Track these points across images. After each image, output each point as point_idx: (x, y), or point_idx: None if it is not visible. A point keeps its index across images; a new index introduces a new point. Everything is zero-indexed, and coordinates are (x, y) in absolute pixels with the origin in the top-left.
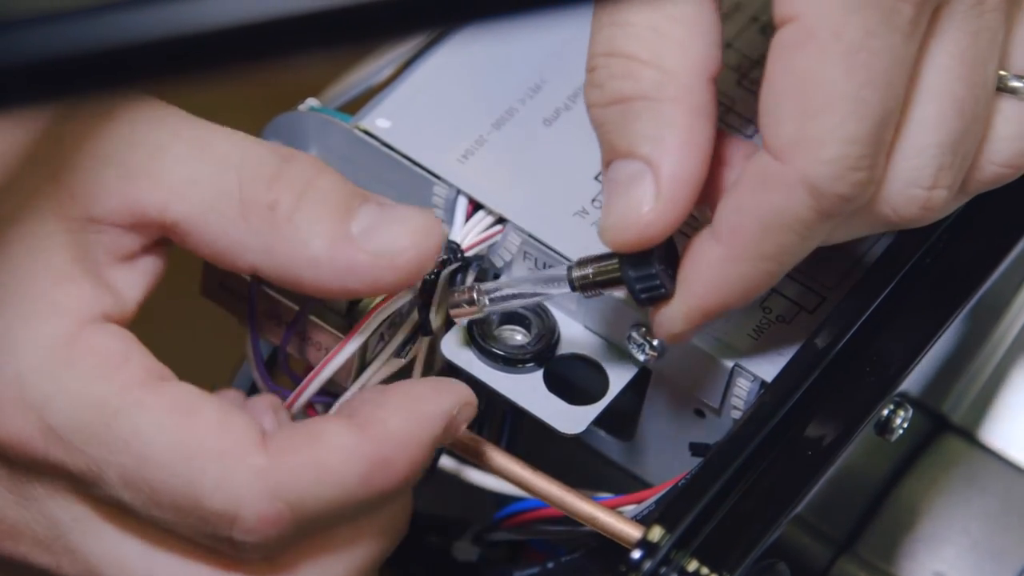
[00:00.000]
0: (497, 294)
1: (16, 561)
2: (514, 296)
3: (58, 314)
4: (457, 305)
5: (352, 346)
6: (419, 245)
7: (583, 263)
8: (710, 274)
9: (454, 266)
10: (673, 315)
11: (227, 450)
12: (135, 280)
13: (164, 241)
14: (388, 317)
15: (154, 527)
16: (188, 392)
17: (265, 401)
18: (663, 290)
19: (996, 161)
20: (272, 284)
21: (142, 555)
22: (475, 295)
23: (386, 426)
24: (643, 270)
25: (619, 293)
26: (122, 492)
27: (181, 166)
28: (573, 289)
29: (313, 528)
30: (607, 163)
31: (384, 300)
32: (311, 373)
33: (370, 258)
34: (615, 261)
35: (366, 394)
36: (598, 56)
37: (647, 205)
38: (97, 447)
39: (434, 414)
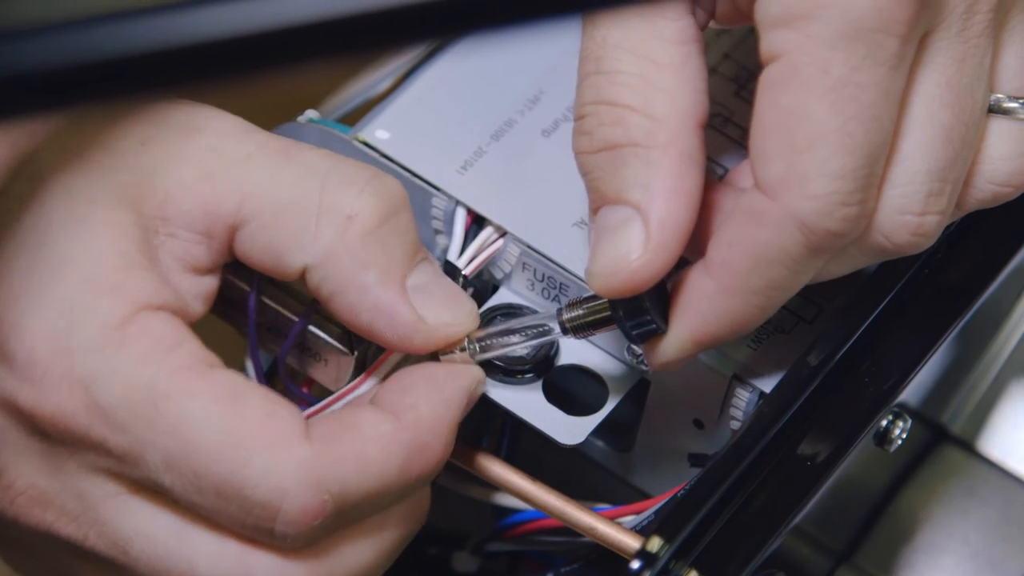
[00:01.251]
0: (488, 341)
1: (42, 531)
2: (504, 341)
3: (118, 296)
4: (447, 352)
5: (372, 382)
6: (457, 327)
7: (573, 305)
8: (701, 307)
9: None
10: (666, 347)
11: (273, 440)
12: (198, 291)
13: (224, 260)
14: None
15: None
16: (236, 380)
17: None
18: (655, 327)
19: (994, 181)
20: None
21: (172, 530)
22: (465, 342)
23: (418, 412)
24: (635, 311)
25: (610, 332)
26: (163, 475)
27: (264, 172)
28: (564, 332)
29: (353, 517)
30: (595, 209)
31: None
32: (328, 400)
33: (413, 317)
34: (605, 301)
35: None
36: (587, 104)
37: (636, 252)
38: (143, 428)
39: (458, 395)
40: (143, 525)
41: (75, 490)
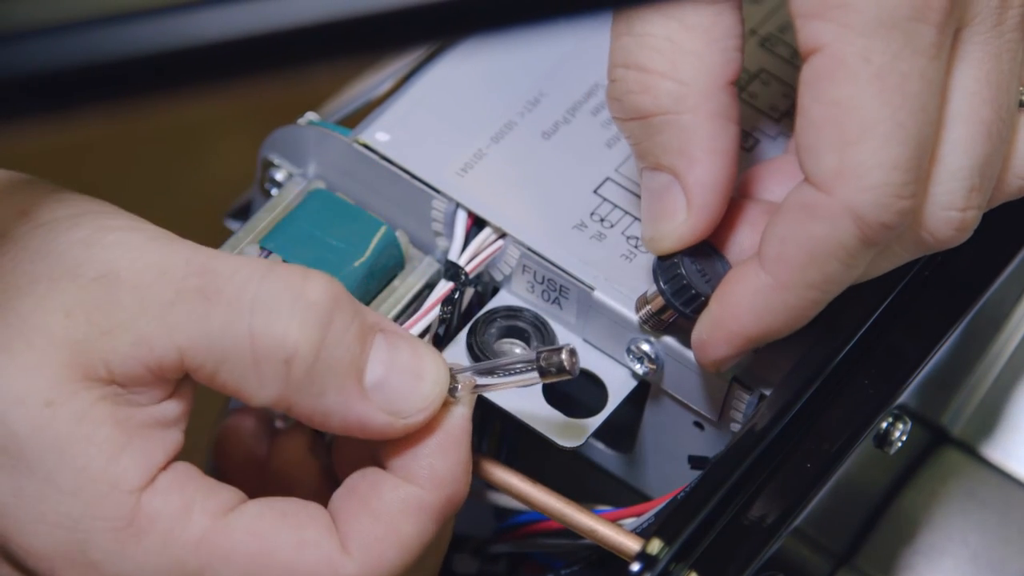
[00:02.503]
0: (466, 375)
1: None
2: (484, 382)
3: (116, 494)
4: None
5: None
6: (431, 406)
7: (641, 303)
8: (755, 302)
9: (468, 292)
10: (716, 340)
11: (314, 571)
12: (176, 411)
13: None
14: None
15: None
16: (256, 520)
17: (300, 442)
18: (693, 291)
19: (1022, 175)
20: None
21: None
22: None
23: (434, 469)
24: (671, 273)
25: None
26: None
27: (191, 324)
28: (541, 374)
29: None
30: (640, 169)
31: None
32: None
33: (384, 420)
34: (655, 289)
35: (391, 439)
36: (616, 67)
37: (680, 216)
38: None
39: (462, 428)
40: None
41: None
